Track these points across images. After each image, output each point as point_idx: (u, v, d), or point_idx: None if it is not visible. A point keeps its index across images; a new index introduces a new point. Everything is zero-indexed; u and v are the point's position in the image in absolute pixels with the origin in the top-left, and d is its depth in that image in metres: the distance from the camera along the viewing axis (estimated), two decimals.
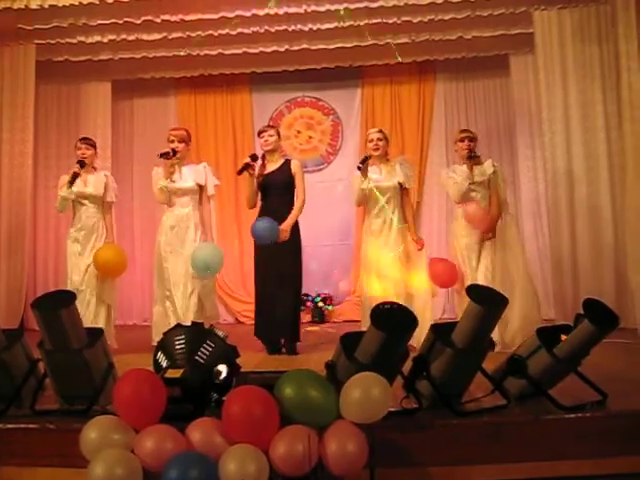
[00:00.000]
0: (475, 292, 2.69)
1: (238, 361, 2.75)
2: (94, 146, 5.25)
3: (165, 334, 2.86)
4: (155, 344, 4.59)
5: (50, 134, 7.20)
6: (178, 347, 2.72)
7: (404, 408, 2.62)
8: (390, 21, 6.17)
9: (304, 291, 6.96)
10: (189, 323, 3.43)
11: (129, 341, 5.26)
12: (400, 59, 6.04)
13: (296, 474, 2.25)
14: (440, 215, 7.40)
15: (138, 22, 6.05)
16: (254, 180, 4.90)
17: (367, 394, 2.32)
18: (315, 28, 6.29)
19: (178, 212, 4.93)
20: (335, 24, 6.19)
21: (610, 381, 2.93)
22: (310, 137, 7.77)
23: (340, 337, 2.66)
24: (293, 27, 6.28)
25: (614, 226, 5.90)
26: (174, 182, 4.91)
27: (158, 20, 6.04)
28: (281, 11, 5.99)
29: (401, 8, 5.95)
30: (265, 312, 4.82)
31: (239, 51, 6.76)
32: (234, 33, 6.31)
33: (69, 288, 4.85)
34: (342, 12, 5.82)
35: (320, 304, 7.34)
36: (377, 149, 4.89)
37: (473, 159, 4.84)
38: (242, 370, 2.75)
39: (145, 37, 6.33)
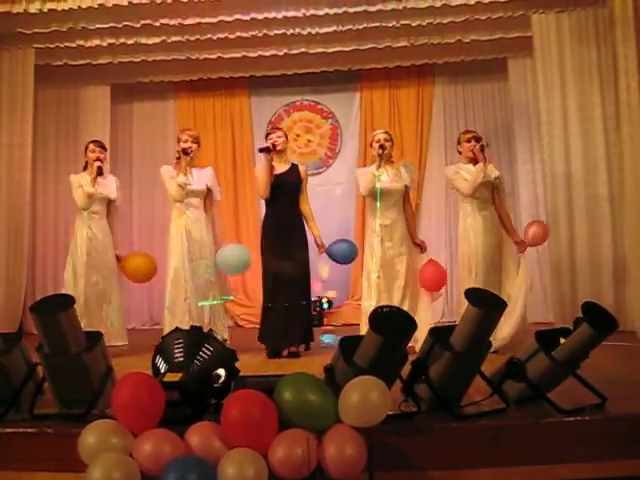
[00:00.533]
0: (473, 295, 2.69)
1: (237, 365, 2.75)
2: (106, 149, 5.34)
3: (163, 338, 2.86)
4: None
5: (49, 138, 7.20)
6: (177, 351, 2.72)
7: (403, 412, 2.62)
8: (389, 25, 6.19)
9: None
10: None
11: (128, 344, 5.24)
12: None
13: (295, 478, 2.24)
14: (439, 218, 7.41)
15: (137, 26, 6.07)
16: (270, 167, 4.83)
17: (366, 398, 2.32)
18: (314, 32, 6.30)
19: (191, 214, 4.91)
20: (334, 28, 6.21)
21: (609, 384, 2.93)
22: (309, 141, 7.78)
23: (339, 341, 2.66)
24: (292, 31, 6.29)
25: (613, 229, 5.90)
26: (190, 182, 4.90)
27: (157, 24, 6.06)
28: (280, 15, 6.01)
29: (400, 12, 5.97)
30: (278, 316, 4.76)
31: (238, 55, 6.77)
32: (233, 37, 6.33)
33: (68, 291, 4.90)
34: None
35: (325, 307, 7.34)
36: (384, 149, 4.87)
37: (484, 152, 4.78)
38: (241, 374, 2.75)
39: (144, 41, 6.35)
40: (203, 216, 4.97)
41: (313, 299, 7.23)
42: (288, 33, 6.32)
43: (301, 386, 2.39)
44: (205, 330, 4.42)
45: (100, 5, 5.67)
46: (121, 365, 3.05)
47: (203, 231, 4.93)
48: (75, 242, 5.13)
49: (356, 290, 7.29)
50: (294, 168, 4.97)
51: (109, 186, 5.19)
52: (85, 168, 5.22)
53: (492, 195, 4.90)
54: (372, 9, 5.90)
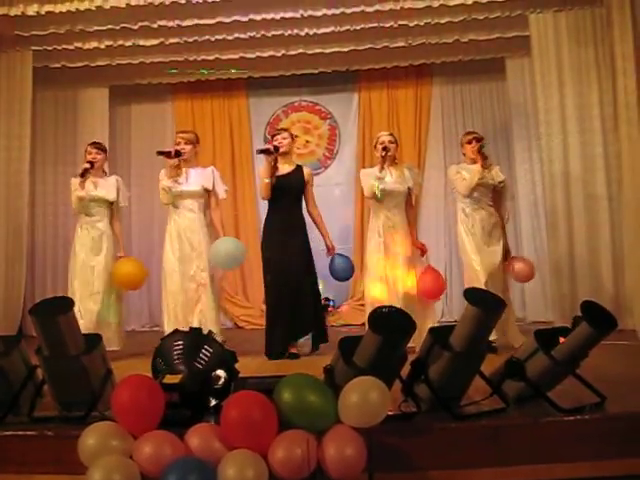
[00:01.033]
0: (472, 295, 2.69)
1: (236, 366, 2.75)
2: (104, 151, 5.28)
3: (163, 339, 2.86)
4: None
5: (47, 140, 7.19)
6: (176, 352, 2.72)
7: (403, 412, 2.62)
8: (386, 25, 6.19)
9: None
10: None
11: (127, 347, 5.24)
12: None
13: (295, 479, 2.24)
14: (438, 217, 7.42)
15: (135, 28, 6.05)
16: (271, 169, 4.82)
17: (365, 398, 2.32)
18: (312, 33, 6.30)
19: (183, 216, 4.89)
20: (332, 28, 6.21)
21: (608, 383, 2.93)
22: (307, 141, 7.78)
23: (338, 341, 2.66)
24: (289, 32, 6.29)
25: (611, 228, 5.91)
26: (180, 184, 4.88)
27: (155, 26, 6.04)
28: (277, 16, 6.01)
29: (397, 12, 5.96)
30: (282, 319, 4.74)
31: (236, 56, 6.77)
32: (231, 38, 6.34)
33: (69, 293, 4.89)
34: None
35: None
36: (387, 151, 4.88)
37: (482, 153, 4.82)
38: (240, 375, 2.75)
39: (142, 43, 6.34)
40: (200, 218, 4.89)
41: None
42: (286, 34, 6.32)
43: (301, 387, 2.39)
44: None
45: (98, 7, 5.65)
46: (120, 367, 3.05)
47: (199, 234, 4.86)
48: (74, 246, 5.14)
49: (356, 291, 7.30)
50: (298, 170, 4.95)
51: (108, 187, 5.12)
52: None
53: (493, 197, 4.93)
54: (369, 9, 5.90)
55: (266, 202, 4.99)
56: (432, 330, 2.78)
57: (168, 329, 4.77)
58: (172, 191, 4.84)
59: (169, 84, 7.56)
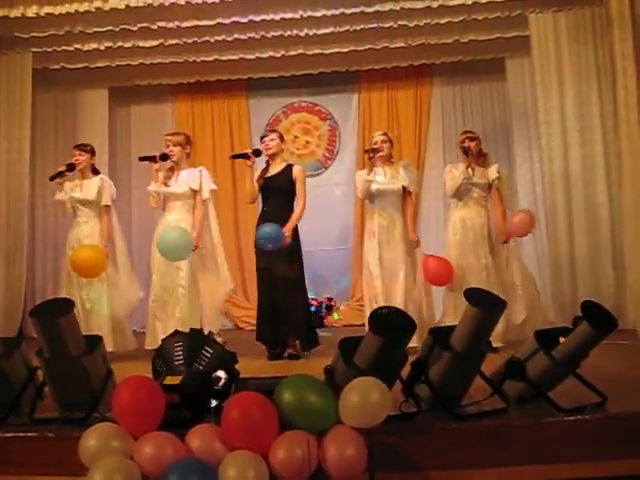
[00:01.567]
0: (473, 295, 2.69)
1: (237, 367, 2.75)
2: (88, 151, 5.22)
3: (164, 341, 2.86)
4: (147, 347, 4.63)
5: (47, 142, 7.19)
6: (177, 354, 2.72)
7: (403, 412, 2.62)
8: (386, 25, 6.19)
9: None
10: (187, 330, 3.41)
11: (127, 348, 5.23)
12: None
13: (296, 479, 2.24)
14: (438, 217, 7.39)
15: (134, 29, 6.06)
16: (253, 173, 4.86)
17: (366, 398, 2.32)
18: (311, 33, 6.30)
19: (170, 218, 4.90)
20: (331, 29, 6.21)
21: (609, 383, 2.93)
22: (307, 142, 7.79)
23: (339, 342, 2.66)
24: (289, 32, 6.29)
25: (612, 227, 5.91)
26: (168, 186, 4.89)
27: (154, 27, 6.04)
28: (277, 17, 6.01)
29: (397, 12, 5.96)
30: (271, 314, 4.76)
31: (235, 57, 6.77)
32: (230, 39, 6.34)
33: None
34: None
35: (325, 310, 7.34)
36: (381, 150, 4.90)
37: (467, 154, 4.85)
38: (241, 376, 2.75)
39: (141, 44, 6.34)
40: (188, 219, 4.88)
41: (313, 301, 7.32)
42: (286, 35, 6.32)
43: (301, 387, 2.39)
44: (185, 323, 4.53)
45: (97, 9, 5.65)
46: (121, 368, 3.05)
47: None
48: (65, 248, 5.19)
49: (356, 291, 7.30)
50: (287, 169, 4.90)
51: (89, 188, 5.12)
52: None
53: (491, 195, 4.94)
54: (369, 10, 5.90)
55: None
56: (432, 330, 2.79)
57: (149, 329, 4.87)
58: (160, 194, 4.88)
59: (169, 85, 7.56)
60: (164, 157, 4.87)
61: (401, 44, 6.58)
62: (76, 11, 5.69)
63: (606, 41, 5.90)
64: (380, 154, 4.91)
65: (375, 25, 6.18)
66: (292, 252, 4.78)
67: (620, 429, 2.60)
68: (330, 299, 7.39)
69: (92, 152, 5.27)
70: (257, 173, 4.92)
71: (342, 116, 7.80)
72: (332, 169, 7.77)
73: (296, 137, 7.77)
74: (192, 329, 3.03)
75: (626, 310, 5.51)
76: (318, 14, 5.97)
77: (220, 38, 6.34)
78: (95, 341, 2.81)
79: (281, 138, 5.01)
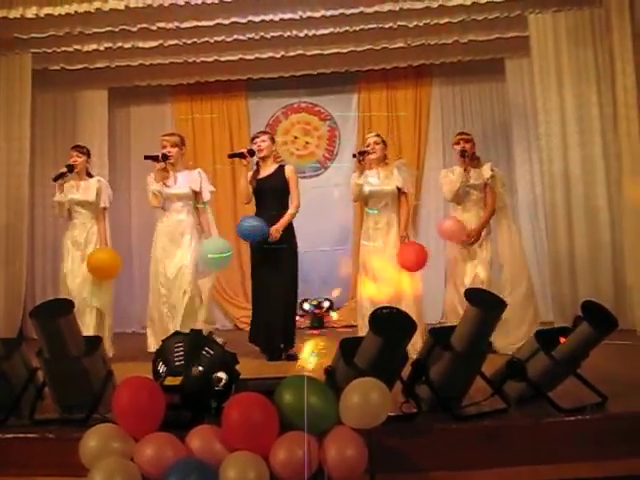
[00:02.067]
0: (473, 295, 2.69)
1: (237, 368, 2.75)
2: (85, 153, 5.26)
3: (164, 341, 2.85)
4: (150, 350, 4.64)
5: (47, 142, 7.18)
6: (177, 354, 2.72)
7: (404, 413, 2.62)
8: (386, 26, 6.19)
9: (304, 296, 7.01)
10: (187, 330, 3.41)
11: (128, 348, 5.24)
12: None
13: None
14: (438, 218, 7.39)
15: (134, 30, 6.07)
16: (248, 173, 4.90)
17: (366, 399, 2.32)
18: (311, 34, 6.31)
19: (172, 218, 4.91)
20: (331, 30, 6.22)
21: (609, 383, 2.93)
22: (307, 143, 7.78)
23: (339, 342, 2.66)
24: (289, 33, 6.30)
25: (611, 228, 5.91)
26: (168, 187, 4.90)
27: (154, 27, 6.05)
28: (277, 17, 6.01)
29: (396, 13, 5.97)
30: (259, 317, 4.85)
31: (235, 58, 6.77)
32: (230, 40, 6.34)
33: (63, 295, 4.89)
34: None
35: (323, 311, 7.33)
36: (374, 152, 4.90)
37: (464, 157, 4.84)
38: (241, 377, 2.75)
39: (141, 45, 6.35)
40: (189, 221, 4.91)
41: (314, 301, 7.31)
42: (285, 35, 6.32)
43: (301, 388, 2.39)
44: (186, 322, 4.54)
45: (97, 9, 5.66)
46: (121, 369, 3.05)
47: (187, 235, 4.87)
48: (61, 249, 5.19)
49: (355, 292, 7.27)
50: (279, 170, 4.92)
51: (88, 189, 5.14)
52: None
53: (486, 194, 4.94)
54: (369, 10, 5.91)
55: None
56: (433, 331, 2.79)
57: (149, 329, 4.90)
58: (162, 194, 4.88)
59: (168, 86, 7.55)
60: (164, 157, 4.89)
61: (400, 44, 6.58)
62: (75, 12, 5.70)
63: (605, 42, 5.92)
64: (372, 156, 4.90)
65: (374, 26, 6.19)
66: (287, 254, 4.81)
67: (620, 429, 2.60)
68: (329, 299, 7.38)
69: (88, 154, 5.31)
70: (250, 174, 4.94)
71: (342, 117, 7.79)
72: (332, 170, 7.76)
73: (296, 138, 7.77)
74: (192, 330, 3.03)
75: (626, 310, 5.52)
76: (317, 15, 5.98)
77: (219, 39, 6.34)
78: (95, 342, 2.81)
79: (272, 140, 5.06)
